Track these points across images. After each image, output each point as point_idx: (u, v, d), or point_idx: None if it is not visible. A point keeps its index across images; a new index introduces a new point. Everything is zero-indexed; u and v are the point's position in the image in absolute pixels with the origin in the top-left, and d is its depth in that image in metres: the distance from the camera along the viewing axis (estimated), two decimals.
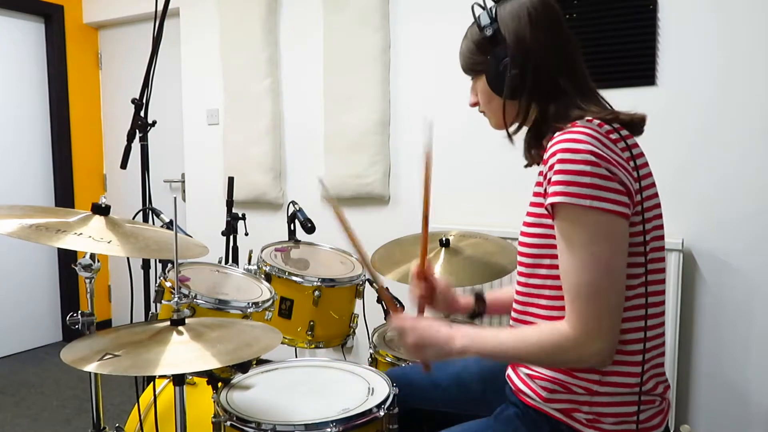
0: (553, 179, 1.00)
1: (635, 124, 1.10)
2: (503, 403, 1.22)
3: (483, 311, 1.44)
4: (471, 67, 1.21)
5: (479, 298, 1.44)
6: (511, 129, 1.19)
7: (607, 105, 1.14)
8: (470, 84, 1.25)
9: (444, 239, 2.03)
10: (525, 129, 1.21)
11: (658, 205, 1.10)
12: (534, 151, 1.18)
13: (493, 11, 1.13)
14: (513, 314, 1.19)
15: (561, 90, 1.11)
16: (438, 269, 1.94)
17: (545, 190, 1.03)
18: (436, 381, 1.37)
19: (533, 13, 1.11)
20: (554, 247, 1.07)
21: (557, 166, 0.99)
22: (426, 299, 1.38)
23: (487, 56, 1.14)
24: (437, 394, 1.35)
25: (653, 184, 1.09)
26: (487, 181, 2.65)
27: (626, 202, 1.00)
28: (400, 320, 1.18)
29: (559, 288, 1.08)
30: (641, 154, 1.09)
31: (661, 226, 1.10)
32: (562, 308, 1.08)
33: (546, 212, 1.06)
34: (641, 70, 2.27)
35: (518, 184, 2.54)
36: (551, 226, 1.06)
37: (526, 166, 1.27)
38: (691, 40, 2.20)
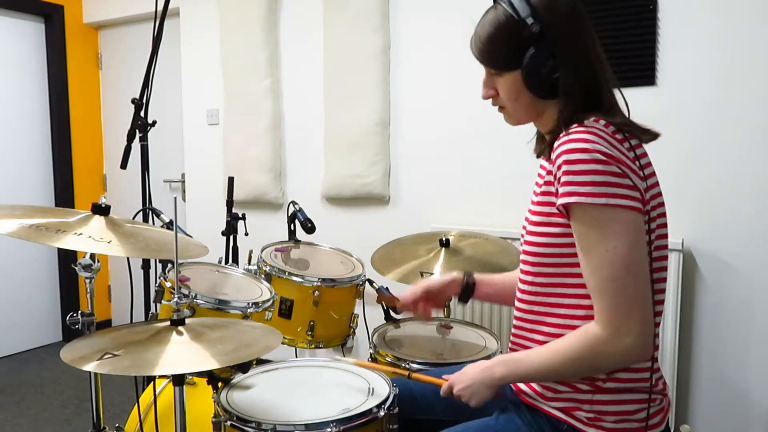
0: (564, 180, 1.00)
1: (643, 136, 1.10)
2: (501, 401, 1.22)
3: (473, 285, 1.44)
4: (499, 61, 1.12)
5: (468, 276, 1.45)
6: (547, 125, 1.15)
7: (626, 107, 1.13)
8: (482, 75, 1.18)
9: (444, 239, 2.03)
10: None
11: (662, 204, 1.10)
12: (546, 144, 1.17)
13: (529, 2, 1.07)
14: (516, 313, 1.19)
15: (599, 89, 1.09)
16: (438, 269, 1.94)
17: (556, 189, 1.03)
18: (436, 390, 1.37)
19: (570, 9, 1.09)
20: (563, 246, 1.07)
21: (567, 167, 1.00)
22: (429, 310, 1.45)
23: (525, 51, 1.07)
24: (438, 402, 1.35)
25: (657, 184, 1.10)
26: (487, 181, 2.65)
27: (638, 197, 1.00)
28: (446, 384, 1.19)
29: (567, 286, 1.08)
30: (645, 155, 1.09)
31: (665, 225, 1.11)
32: (570, 306, 1.09)
33: (557, 211, 1.06)
34: (641, 70, 2.27)
35: (518, 185, 2.54)
36: (561, 225, 1.06)
37: (538, 156, 1.24)
38: (691, 40, 2.20)
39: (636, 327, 0.99)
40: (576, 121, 1.06)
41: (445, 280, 1.45)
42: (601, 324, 1.00)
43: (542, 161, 1.20)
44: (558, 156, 1.02)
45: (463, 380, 1.15)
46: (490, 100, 1.20)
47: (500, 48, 1.11)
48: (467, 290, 1.45)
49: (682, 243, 2.17)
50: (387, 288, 1.98)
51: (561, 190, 1.01)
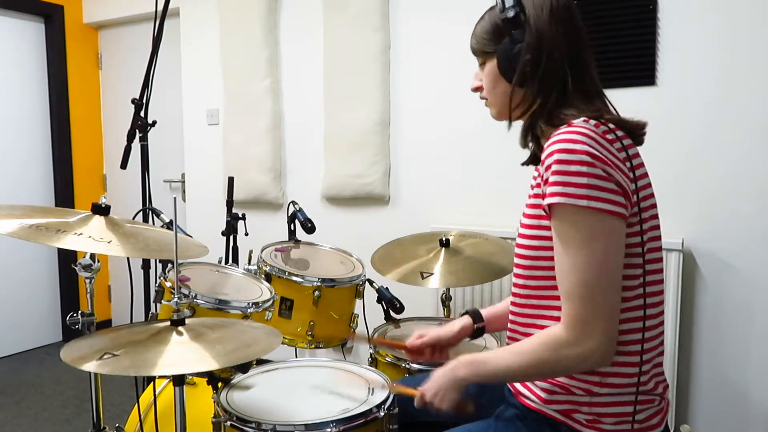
0: (551, 180, 1.00)
1: (636, 131, 1.10)
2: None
3: (482, 329, 1.44)
4: (483, 48, 1.18)
5: (476, 316, 1.44)
6: (513, 116, 1.18)
7: (613, 109, 1.14)
8: (476, 69, 1.23)
9: (444, 239, 2.03)
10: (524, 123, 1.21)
11: (654, 206, 1.10)
12: (534, 148, 1.18)
13: None
14: (510, 316, 1.19)
15: (566, 85, 1.11)
16: (438, 269, 1.94)
17: (543, 191, 1.04)
18: None
19: (555, 5, 1.11)
20: (552, 248, 1.06)
21: (554, 167, 1.00)
22: (437, 358, 1.44)
23: (503, 39, 1.13)
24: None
25: (649, 185, 1.10)
26: (487, 181, 2.65)
27: (623, 203, 1.00)
28: (418, 396, 1.19)
29: (557, 288, 1.08)
30: (637, 155, 1.09)
31: (658, 227, 1.10)
32: (560, 308, 1.08)
33: (544, 213, 1.06)
34: (641, 70, 2.27)
35: (518, 185, 2.54)
36: (549, 227, 1.06)
37: (523, 164, 1.27)
38: (691, 40, 2.20)
39: (603, 333, 0.99)
40: (559, 117, 1.08)
41: (454, 331, 1.44)
42: (566, 327, 1.01)
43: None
44: (547, 156, 1.02)
45: (431, 387, 1.16)
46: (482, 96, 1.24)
47: (484, 36, 1.18)
48: (478, 333, 1.45)
49: (682, 243, 2.17)
50: (387, 288, 1.98)
51: (547, 190, 1.01)
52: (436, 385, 1.15)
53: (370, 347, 1.78)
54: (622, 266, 1.02)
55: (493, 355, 1.10)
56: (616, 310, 1.02)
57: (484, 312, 1.45)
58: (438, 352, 1.46)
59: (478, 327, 1.44)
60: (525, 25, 1.10)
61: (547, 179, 1.01)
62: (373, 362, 1.79)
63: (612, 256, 1.00)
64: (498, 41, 1.14)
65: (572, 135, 1.00)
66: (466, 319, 1.44)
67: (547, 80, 1.10)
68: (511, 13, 1.11)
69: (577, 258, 0.99)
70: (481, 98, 1.24)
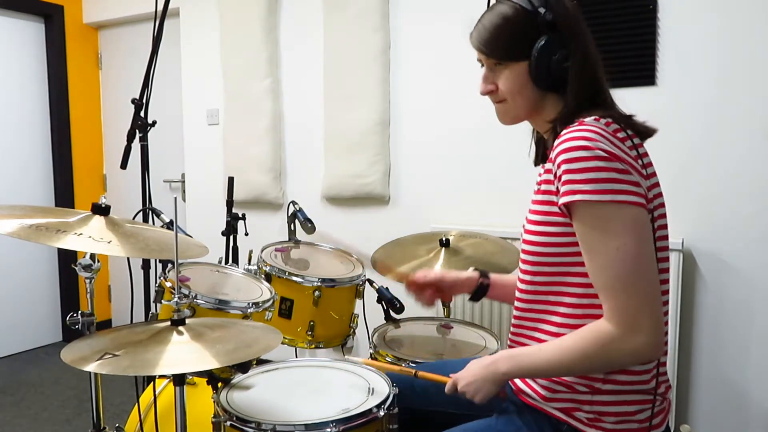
0: (565, 178, 0.99)
1: (644, 133, 1.10)
2: (504, 402, 1.22)
3: (487, 286, 1.42)
4: (506, 51, 1.10)
5: (483, 274, 1.43)
6: (532, 118, 1.16)
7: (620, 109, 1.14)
8: (483, 71, 1.15)
9: (444, 239, 2.03)
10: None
11: (663, 206, 1.10)
12: (542, 147, 1.17)
13: None
14: (516, 312, 1.19)
15: (598, 89, 1.10)
16: (438, 269, 1.94)
17: (557, 188, 1.02)
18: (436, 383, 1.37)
19: (573, 5, 1.09)
20: (563, 245, 1.06)
21: (568, 165, 0.99)
22: (435, 299, 1.41)
23: (535, 41, 1.07)
24: (438, 394, 1.35)
25: (658, 184, 1.09)
26: (487, 181, 2.65)
27: (642, 194, 1.00)
28: (451, 381, 1.18)
29: (567, 285, 1.08)
30: (646, 154, 1.09)
31: (666, 227, 1.10)
32: (570, 305, 1.08)
33: (557, 211, 1.05)
34: (641, 70, 2.27)
35: (518, 184, 2.54)
36: (562, 224, 1.05)
37: (536, 164, 1.25)
38: (691, 40, 2.20)
39: (648, 324, 0.98)
40: (577, 118, 1.06)
41: (460, 276, 1.43)
42: (613, 322, 0.99)
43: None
44: (558, 154, 1.00)
45: (466, 376, 1.15)
46: (488, 97, 1.19)
47: (509, 37, 1.09)
48: (481, 291, 1.43)
49: (682, 243, 2.17)
50: (387, 288, 1.98)
51: (563, 189, 1.00)
52: (471, 375, 1.14)
53: (371, 347, 1.78)
54: (654, 255, 1.01)
55: (537, 349, 1.08)
56: (658, 299, 1.00)
57: (493, 276, 1.43)
58: (438, 293, 1.43)
59: (484, 283, 1.41)
60: (562, 29, 1.06)
61: (560, 177, 1.00)
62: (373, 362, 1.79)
63: (644, 247, 0.99)
64: (524, 44, 1.07)
65: (585, 133, 0.99)
66: (474, 272, 1.43)
67: (584, 86, 1.08)
68: (549, 16, 1.05)
69: (609, 253, 0.98)
70: (498, 102, 1.16)
